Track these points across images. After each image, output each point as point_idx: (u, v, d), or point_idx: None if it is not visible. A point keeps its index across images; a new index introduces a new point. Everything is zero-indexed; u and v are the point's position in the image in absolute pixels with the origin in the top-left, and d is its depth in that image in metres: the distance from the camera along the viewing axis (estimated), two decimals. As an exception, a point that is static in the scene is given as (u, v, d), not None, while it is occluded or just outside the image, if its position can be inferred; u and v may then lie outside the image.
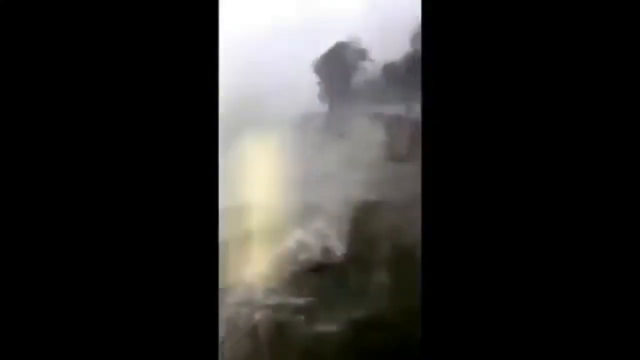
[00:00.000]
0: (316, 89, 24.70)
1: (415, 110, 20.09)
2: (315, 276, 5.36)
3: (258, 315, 4.95)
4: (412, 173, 8.29)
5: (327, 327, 3.83)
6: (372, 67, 25.11)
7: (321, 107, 25.28)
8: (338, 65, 23.43)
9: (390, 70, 24.09)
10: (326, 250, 5.09)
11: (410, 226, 5.43)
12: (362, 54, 23.74)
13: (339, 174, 9.16)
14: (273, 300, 4.67)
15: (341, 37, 23.37)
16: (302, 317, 4.15)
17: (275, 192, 7.20)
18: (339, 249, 4.98)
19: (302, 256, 4.92)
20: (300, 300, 4.49)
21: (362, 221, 5.75)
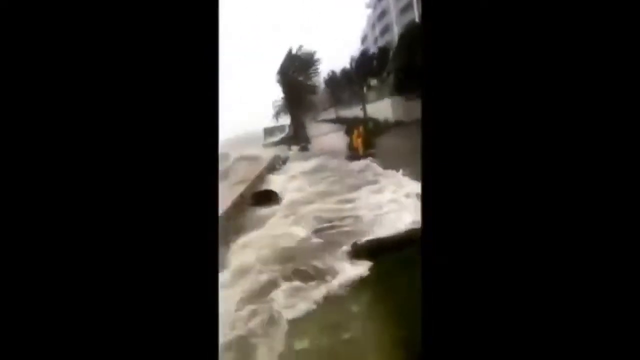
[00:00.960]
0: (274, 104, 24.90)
1: (369, 109, 20.83)
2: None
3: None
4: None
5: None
6: (324, 74, 25.68)
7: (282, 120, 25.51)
8: (292, 77, 23.74)
9: (341, 75, 24.84)
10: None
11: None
12: (313, 62, 24.18)
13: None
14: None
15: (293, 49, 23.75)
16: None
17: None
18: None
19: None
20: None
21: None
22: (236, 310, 3.54)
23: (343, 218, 5.84)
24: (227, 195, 7.44)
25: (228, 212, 6.62)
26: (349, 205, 6.46)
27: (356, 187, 7.52)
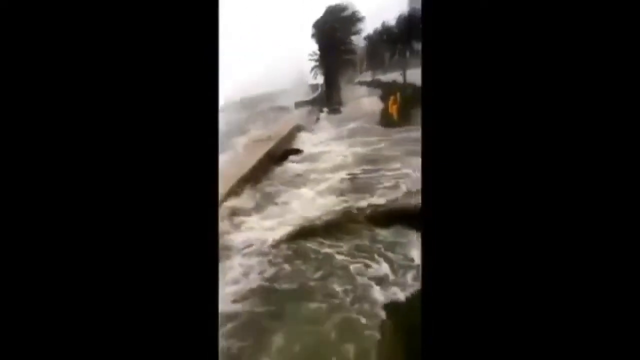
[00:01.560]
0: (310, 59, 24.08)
1: (410, 75, 19.69)
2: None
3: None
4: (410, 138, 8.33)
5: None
6: (365, 33, 24.31)
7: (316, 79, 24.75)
8: (329, 33, 22.66)
9: (383, 35, 23.36)
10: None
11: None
12: (356, 19, 22.86)
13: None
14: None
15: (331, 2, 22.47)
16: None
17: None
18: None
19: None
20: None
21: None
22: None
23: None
24: (254, 149, 7.36)
25: (255, 169, 6.57)
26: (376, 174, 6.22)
27: (388, 156, 7.21)
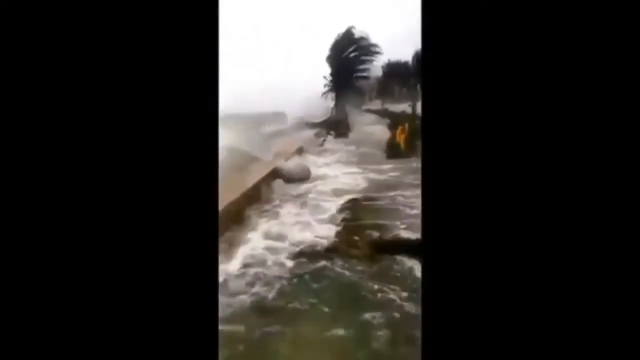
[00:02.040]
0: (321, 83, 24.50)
1: (420, 108, 19.93)
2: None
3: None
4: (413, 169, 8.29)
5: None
6: (379, 62, 24.85)
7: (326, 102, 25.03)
8: (344, 58, 23.16)
9: (395, 67, 23.90)
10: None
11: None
12: (370, 48, 23.44)
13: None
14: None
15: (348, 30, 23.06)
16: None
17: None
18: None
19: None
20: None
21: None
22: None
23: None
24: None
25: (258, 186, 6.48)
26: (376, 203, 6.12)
27: (388, 186, 7.13)
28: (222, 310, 2.88)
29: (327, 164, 10.05)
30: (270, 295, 3.40)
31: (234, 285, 3.63)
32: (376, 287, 3.43)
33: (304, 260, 4.08)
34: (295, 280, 3.69)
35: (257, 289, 3.52)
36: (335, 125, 20.90)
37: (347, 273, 3.82)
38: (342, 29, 22.88)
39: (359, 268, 3.85)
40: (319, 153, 12.23)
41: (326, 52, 23.31)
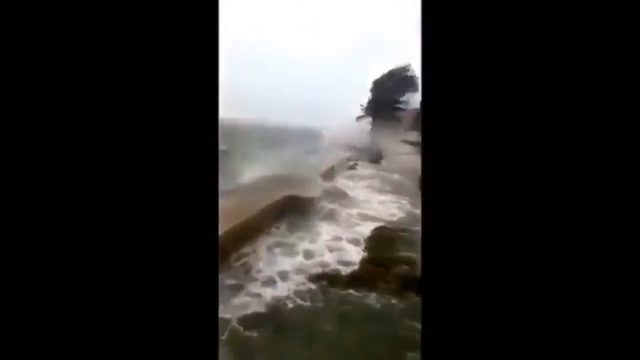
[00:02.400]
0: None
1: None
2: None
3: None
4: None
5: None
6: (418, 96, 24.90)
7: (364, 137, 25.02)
8: (385, 90, 23.42)
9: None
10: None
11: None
12: (411, 82, 23.58)
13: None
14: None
15: (391, 66, 23.54)
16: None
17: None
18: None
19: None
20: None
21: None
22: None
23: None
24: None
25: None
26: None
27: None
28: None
29: (358, 188, 9.88)
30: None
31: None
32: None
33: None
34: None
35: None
36: (369, 153, 20.84)
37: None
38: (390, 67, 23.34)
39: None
40: (350, 177, 12.11)
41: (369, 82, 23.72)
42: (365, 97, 24.64)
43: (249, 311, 3.27)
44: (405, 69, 23.76)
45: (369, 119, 25.36)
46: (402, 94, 23.83)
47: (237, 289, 3.67)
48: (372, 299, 3.69)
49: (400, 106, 24.12)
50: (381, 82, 23.90)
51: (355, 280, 4.14)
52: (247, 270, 4.11)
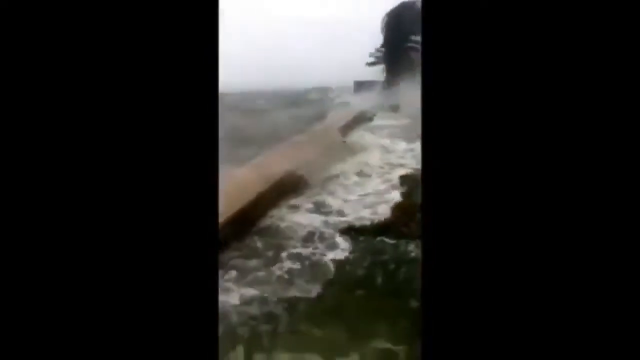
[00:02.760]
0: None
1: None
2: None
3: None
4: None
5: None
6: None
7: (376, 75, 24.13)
8: (399, 28, 22.01)
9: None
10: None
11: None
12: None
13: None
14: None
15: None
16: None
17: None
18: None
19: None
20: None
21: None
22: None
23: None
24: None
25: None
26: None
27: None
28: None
29: (379, 139, 9.81)
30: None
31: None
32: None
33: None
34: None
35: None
36: (386, 99, 20.18)
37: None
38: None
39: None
40: (369, 129, 11.96)
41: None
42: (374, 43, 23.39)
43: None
44: (414, 2, 22.07)
45: (382, 66, 24.24)
46: (415, 33, 22.37)
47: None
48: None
49: (414, 45, 22.76)
50: (394, 16, 22.30)
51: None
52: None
